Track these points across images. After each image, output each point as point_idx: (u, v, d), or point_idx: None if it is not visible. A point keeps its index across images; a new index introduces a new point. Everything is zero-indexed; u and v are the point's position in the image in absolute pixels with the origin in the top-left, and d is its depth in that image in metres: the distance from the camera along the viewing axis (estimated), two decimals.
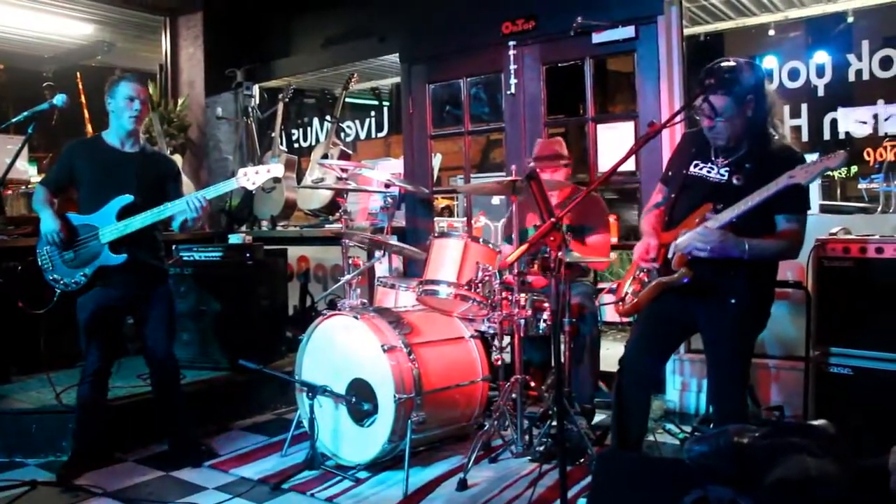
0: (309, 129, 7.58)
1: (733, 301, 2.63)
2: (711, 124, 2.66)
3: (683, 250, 2.62)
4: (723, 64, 2.65)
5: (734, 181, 2.66)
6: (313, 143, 7.34)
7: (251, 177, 3.40)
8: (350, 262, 3.99)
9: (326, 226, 5.93)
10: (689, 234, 2.61)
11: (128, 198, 3.36)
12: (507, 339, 3.71)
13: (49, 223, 3.34)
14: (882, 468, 1.74)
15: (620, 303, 2.93)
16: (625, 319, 3.88)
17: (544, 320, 3.58)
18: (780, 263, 4.02)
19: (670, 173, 2.93)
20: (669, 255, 2.68)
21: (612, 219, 6.44)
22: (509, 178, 3.59)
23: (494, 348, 3.61)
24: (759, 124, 2.68)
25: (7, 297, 4.03)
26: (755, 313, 2.73)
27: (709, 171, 2.75)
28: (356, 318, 3.46)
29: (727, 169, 2.71)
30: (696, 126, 2.84)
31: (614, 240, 6.06)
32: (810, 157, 3.93)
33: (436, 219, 6.11)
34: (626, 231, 6.37)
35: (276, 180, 5.96)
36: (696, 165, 2.79)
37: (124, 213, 3.35)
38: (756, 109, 2.65)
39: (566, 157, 4.12)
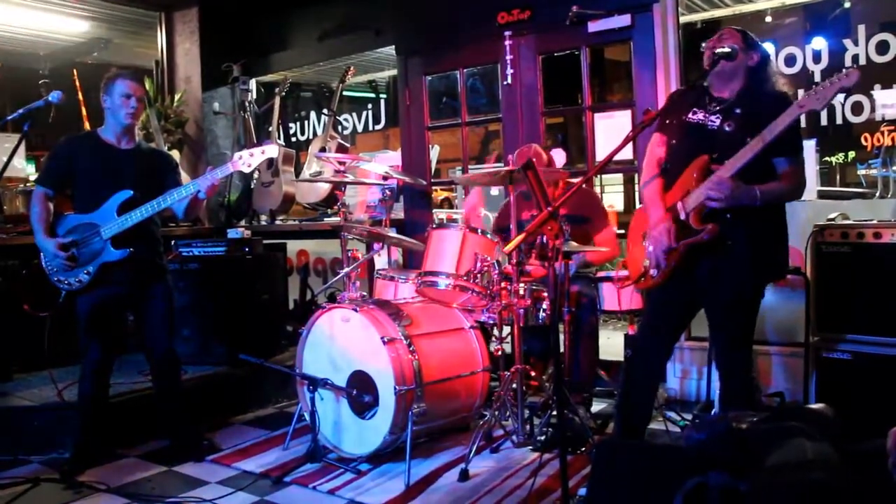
0: (306, 122, 7.56)
1: (730, 242, 2.61)
2: (713, 47, 2.67)
3: (697, 205, 2.61)
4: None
5: (725, 128, 2.66)
6: (311, 137, 7.33)
7: (246, 159, 3.39)
8: (349, 254, 4.00)
9: (325, 219, 5.92)
10: (701, 188, 2.60)
11: (127, 192, 3.35)
12: (506, 329, 3.71)
13: (49, 250, 3.33)
14: (880, 451, 1.74)
15: (642, 279, 2.89)
16: (625, 308, 3.89)
17: (544, 310, 3.59)
18: None
19: (668, 121, 2.90)
20: (682, 217, 2.66)
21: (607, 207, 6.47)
22: (505, 169, 3.60)
23: (494, 338, 3.62)
24: (756, 76, 2.70)
25: (7, 296, 4.02)
26: (757, 256, 2.65)
27: (704, 118, 2.75)
28: (356, 310, 3.46)
29: (718, 116, 2.71)
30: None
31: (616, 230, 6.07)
32: (807, 144, 3.97)
33: (434, 210, 6.11)
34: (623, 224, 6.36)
35: (275, 174, 5.96)
36: (693, 112, 2.79)
37: (124, 209, 3.34)
38: (758, 65, 2.69)
39: (542, 161, 4.12)
